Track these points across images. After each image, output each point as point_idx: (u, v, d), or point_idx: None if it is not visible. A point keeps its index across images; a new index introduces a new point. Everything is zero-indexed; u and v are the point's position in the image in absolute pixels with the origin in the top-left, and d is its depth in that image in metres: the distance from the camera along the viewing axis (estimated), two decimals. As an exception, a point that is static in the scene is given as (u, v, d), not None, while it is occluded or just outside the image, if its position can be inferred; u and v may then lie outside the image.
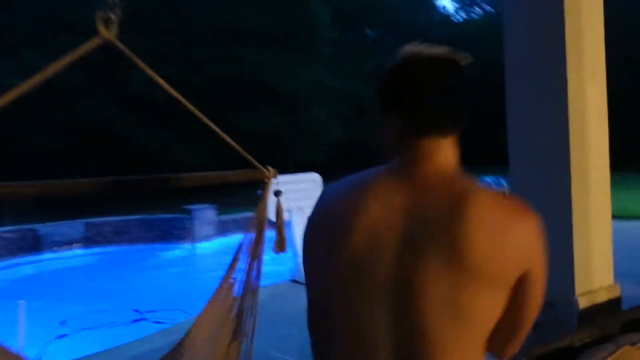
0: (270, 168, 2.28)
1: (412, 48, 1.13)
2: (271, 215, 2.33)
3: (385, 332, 1.04)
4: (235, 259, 1.89)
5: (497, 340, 1.09)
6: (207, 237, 11.61)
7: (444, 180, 1.08)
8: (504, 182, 12.13)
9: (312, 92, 22.96)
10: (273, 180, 2.29)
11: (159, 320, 6.45)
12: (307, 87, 22.59)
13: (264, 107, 21.47)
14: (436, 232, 1.03)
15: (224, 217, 12.28)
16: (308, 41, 23.26)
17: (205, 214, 11.77)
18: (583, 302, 2.71)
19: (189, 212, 11.69)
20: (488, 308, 1.05)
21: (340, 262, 1.08)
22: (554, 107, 2.85)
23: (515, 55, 3.06)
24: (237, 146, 2.07)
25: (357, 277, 1.07)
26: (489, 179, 12.88)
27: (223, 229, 11.95)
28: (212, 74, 19.24)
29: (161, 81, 1.64)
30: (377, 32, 34.84)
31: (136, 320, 6.69)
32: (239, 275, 1.88)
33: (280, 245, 2.41)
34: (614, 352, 1.80)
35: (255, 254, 2.06)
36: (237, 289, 1.83)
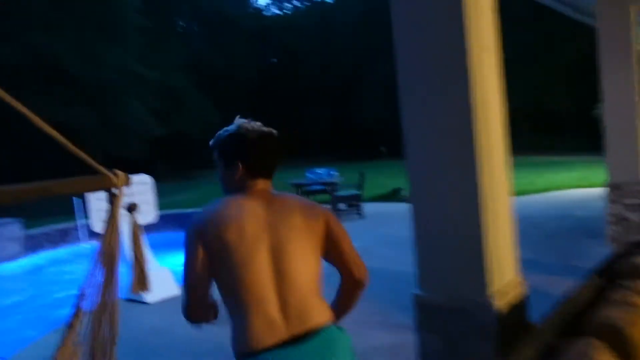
0: (118, 172, 1.69)
1: (246, 123, 1.92)
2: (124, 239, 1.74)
3: (270, 285, 1.76)
4: (77, 312, 1.33)
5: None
6: (11, 257, 9.87)
7: (275, 196, 1.91)
8: (334, 173, 12.93)
9: (122, 82, 21.17)
10: (124, 189, 1.71)
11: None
12: (116, 77, 20.75)
13: (66, 99, 19.23)
14: (284, 217, 1.84)
15: (33, 232, 10.58)
16: (117, 27, 21.37)
17: (8, 230, 9.97)
18: (498, 303, 2.40)
19: (-15, 228, 9.83)
20: (317, 252, 1.87)
21: (240, 247, 1.75)
22: (454, 87, 2.49)
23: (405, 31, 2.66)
24: (71, 146, 1.46)
25: (251, 254, 1.76)
26: (320, 171, 13.46)
27: (32, 245, 10.29)
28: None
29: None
30: (187, 21, 33.61)
31: None
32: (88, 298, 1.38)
33: (141, 282, 1.79)
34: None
35: (106, 298, 1.47)
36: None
